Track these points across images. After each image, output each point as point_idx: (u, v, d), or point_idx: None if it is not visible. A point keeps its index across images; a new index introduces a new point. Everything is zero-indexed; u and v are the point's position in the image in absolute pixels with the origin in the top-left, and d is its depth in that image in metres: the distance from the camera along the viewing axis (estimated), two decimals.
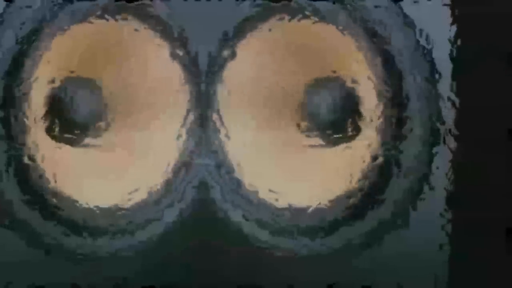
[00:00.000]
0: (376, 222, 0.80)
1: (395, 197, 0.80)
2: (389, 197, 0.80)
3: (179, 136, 0.79)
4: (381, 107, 0.80)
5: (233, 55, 0.79)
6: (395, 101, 0.80)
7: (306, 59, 0.81)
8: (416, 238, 0.80)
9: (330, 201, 0.80)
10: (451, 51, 0.79)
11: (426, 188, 0.80)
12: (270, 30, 0.80)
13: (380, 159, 0.80)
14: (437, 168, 0.80)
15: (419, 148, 0.80)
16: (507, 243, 0.81)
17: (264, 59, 0.81)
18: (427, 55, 0.79)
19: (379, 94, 0.80)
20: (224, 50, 0.78)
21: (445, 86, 0.79)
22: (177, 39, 0.78)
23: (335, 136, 0.82)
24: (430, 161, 0.80)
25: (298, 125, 0.82)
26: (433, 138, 0.80)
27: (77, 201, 0.79)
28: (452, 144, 0.80)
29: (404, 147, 0.80)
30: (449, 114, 0.80)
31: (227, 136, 0.79)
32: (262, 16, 0.79)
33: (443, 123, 0.79)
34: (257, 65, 0.80)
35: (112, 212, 0.79)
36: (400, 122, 0.80)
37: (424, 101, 0.80)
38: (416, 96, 0.79)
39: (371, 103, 0.81)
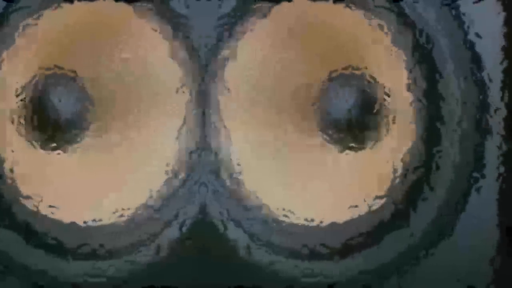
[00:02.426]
0: (402, 244, 0.76)
1: (426, 211, 0.75)
2: (419, 213, 0.75)
3: (179, 136, 0.79)
4: (410, 109, 0.76)
5: (233, 53, 0.78)
6: (428, 103, 0.75)
7: (317, 52, 0.80)
8: (454, 265, 0.75)
9: (343, 216, 0.78)
10: (503, 50, 0.75)
11: (465, 204, 0.74)
12: (272, 24, 0.79)
13: (407, 168, 0.76)
14: (482, 178, 0.75)
15: (456, 156, 0.75)
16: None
17: (267, 55, 0.80)
18: (472, 52, 0.75)
19: (408, 94, 0.76)
20: (225, 49, 0.78)
21: (493, 90, 0.75)
22: (177, 38, 0.78)
23: (350, 140, 0.79)
24: (473, 170, 0.75)
25: (305, 126, 0.80)
26: (475, 145, 0.75)
27: (65, 220, 0.78)
28: (501, 151, 0.74)
29: (438, 156, 0.75)
30: (497, 119, 0.75)
31: (227, 136, 0.79)
32: (263, 11, 0.79)
33: (489, 129, 0.74)
34: (260, 62, 0.80)
35: (108, 224, 0.78)
36: (433, 126, 0.75)
37: (466, 103, 0.75)
38: (455, 99, 0.75)
39: (397, 104, 0.77)
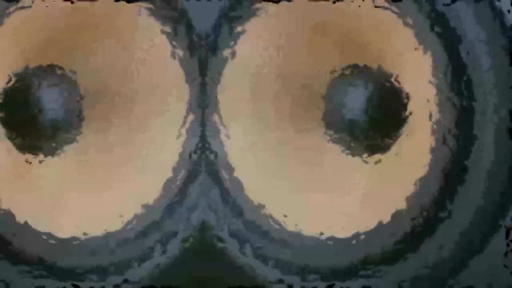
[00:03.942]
0: (424, 264, 0.70)
1: (449, 233, 0.68)
2: (439, 233, 0.69)
3: (179, 136, 0.79)
4: (433, 110, 0.70)
5: (233, 53, 0.78)
6: (456, 103, 0.69)
7: (320, 50, 0.78)
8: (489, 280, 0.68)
9: (356, 231, 0.75)
10: None
11: (496, 225, 0.68)
12: (272, 24, 0.78)
13: (428, 179, 0.70)
14: None
15: (488, 165, 0.68)
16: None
17: (267, 55, 0.79)
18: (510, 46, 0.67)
19: (431, 94, 0.70)
20: (225, 48, 0.78)
21: None
22: (177, 37, 0.78)
23: (363, 144, 0.76)
24: (507, 181, 0.68)
25: (308, 127, 0.79)
26: (510, 152, 0.68)
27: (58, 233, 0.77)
28: None
29: (466, 166, 0.68)
30: None
31: (227, 136, 0.79)
32: (263, 11, 0.78)
33: None
34: (260, 61, 0.79)
35: (107, 231, 0.77)
36: (462, 127, 0.69)
37: (500, 104, 0.68)
38: (488, 99, 0.68)
39: (417, 104, 0.72)
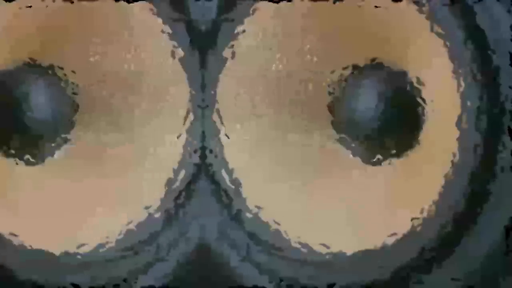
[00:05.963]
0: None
1: (475, 248, 0.63)
2: (463, 250, 0.64)
3: (179, 136, 0.79)
4: (454, 110, 0.65)
5: (233, 53, 0.78)
6: (481, 104, 0.64)
7: (327, 44, 0.78)
8: None
9: (367, 247, 0.72)
10: None
11: None
12: (272, 24, 0.78)
13: (450, 187, 0.65)
14: None
15: None
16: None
17: (267, 54, 0.79)
18: None
19: (453, 93, 0.65)
20: (225, 48, 0.78)
21: None
22: (177, 37, 0.78)
23: (363, 145, 0.75)
24: None
25: (310, 127, 0.78)
26: None
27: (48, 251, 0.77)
28: None
29: (495, 175, 0.63)
30: None
31: (227, 136, 0.79)
32: (263, 11, 0.78)
33: None
34: (260, 61, 0.79)
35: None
36: (488, 133, 0.63)
37: None
38: None
39: (436, 104, 0.68)
